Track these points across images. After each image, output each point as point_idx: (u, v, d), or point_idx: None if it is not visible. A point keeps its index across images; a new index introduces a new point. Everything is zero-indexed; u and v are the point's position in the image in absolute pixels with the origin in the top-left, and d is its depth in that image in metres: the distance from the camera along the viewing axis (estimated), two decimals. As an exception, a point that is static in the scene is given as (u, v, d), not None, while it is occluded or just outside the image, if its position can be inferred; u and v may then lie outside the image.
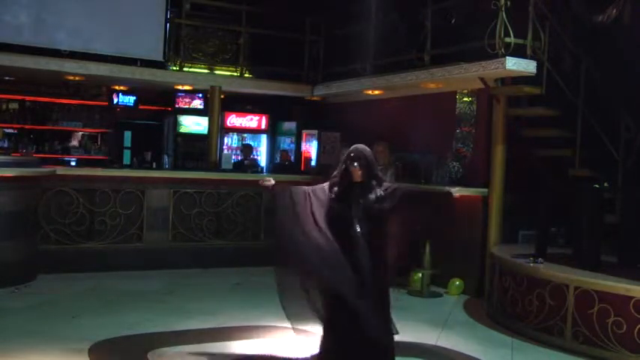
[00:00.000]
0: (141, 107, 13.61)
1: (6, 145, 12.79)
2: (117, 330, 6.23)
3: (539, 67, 7.96)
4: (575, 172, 8.04)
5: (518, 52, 7.84)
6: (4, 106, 13.01)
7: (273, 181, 5.07)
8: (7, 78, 12.39)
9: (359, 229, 4.68)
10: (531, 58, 7.91)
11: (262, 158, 13.72)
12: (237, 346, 5.75)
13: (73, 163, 12.54)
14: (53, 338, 5.91)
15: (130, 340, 6.02)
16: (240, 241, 10.01)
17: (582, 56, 8.07)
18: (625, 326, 5.91)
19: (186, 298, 7.90)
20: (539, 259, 7.00)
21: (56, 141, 13.38)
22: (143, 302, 7.53)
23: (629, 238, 6.98)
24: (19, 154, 12.13)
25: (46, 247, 8.68)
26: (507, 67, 7.79)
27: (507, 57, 7.74)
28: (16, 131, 13.08)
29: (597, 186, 7.62)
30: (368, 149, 4.99)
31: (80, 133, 13.68)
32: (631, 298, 5.90)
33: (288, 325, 4.93)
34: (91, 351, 5.58)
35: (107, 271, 8.86)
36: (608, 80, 8.00)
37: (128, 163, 12.95)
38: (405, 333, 5.74)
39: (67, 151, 13.42)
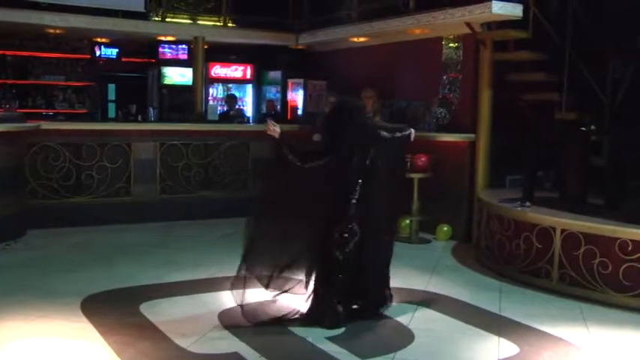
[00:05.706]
0: (124, 60, 13.46)
1: (-12, 101, 12.63)
2: (109, 283, 6.27)
3: (525, 11, 7.91)
4: (562, 116, 8.06)
5: (505, -4, 7.78)
6: (-16, 62, 12.81)
7: (279, 130, 5.06)
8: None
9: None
10: (517, 1, 7.85)
11: (248, 108, 13.64)
12: (229, 297, 5.78)
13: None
14: (47, 292, 5.94)
15: (123, 292, 6.06)
16: (229, 193, 10.01)
17: (569, -2, 8.02)
18: (610, 267, 6.00)
19: (176, 249, 7.94)
20: (527, 202, 7.04)
21: (39, 95, 13.23)
22: (134, 255, 7.56)
23: (615, 180, 7.03)
24: (2, 110, 11.99)
25: (35, 203, 8.66)
26: (493, 12, 7.74)
27: (493, 1, 7.70)
28: (-3, 87, 12.90)
29: (584, 129, 7.65)
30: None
31: (63, 87, 13.51)
32: (617, 239, 5.97)
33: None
34: (84, 304, 5.62)
35: (96, 225, 8.86)
36: (596, 22, 7.96)
37: (113, 116, 12.86)
38: (395, 279, 5.81)
39: (51, 105, 13.27)
